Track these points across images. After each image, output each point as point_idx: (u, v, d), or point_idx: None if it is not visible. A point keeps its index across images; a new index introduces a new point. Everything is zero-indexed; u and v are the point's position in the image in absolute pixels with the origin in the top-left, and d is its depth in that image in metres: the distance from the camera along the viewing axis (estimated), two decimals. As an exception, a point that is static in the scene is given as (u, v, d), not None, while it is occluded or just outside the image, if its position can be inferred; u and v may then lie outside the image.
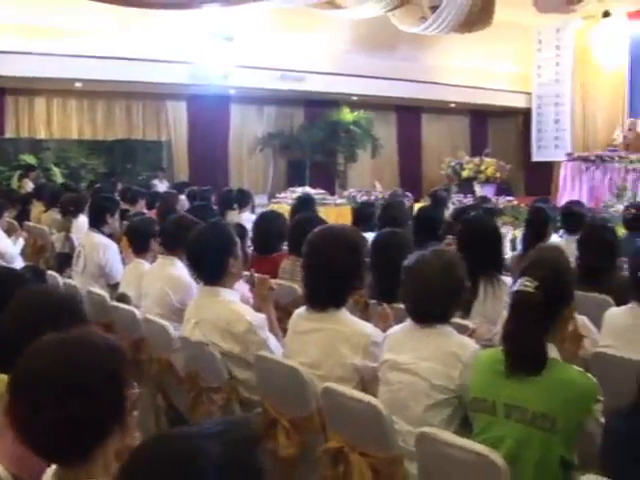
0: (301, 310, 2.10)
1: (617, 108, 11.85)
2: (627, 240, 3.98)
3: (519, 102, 12.27)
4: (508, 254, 3.94)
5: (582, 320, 2.31)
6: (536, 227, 3.80)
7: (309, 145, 10.58)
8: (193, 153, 9.98)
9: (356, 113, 10.93)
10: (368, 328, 2.01)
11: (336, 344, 1.97)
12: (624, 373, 1.69)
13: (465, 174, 10.65)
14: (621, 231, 5.15)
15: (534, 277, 1.63)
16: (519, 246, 4.31)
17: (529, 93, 12.15)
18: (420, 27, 7.22)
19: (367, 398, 1.75)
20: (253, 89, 9.58)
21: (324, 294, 2.00)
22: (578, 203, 4.74)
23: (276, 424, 1.92)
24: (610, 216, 7.50)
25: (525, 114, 12.54)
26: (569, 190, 9.65)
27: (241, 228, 3.29)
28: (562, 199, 9.10)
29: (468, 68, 11.31)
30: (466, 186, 10.41)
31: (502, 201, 8.88)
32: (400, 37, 9.51)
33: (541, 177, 11.82)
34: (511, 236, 4.57)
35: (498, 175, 10.55)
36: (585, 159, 9.60)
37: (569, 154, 10.29)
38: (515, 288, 1.66)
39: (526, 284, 1.63)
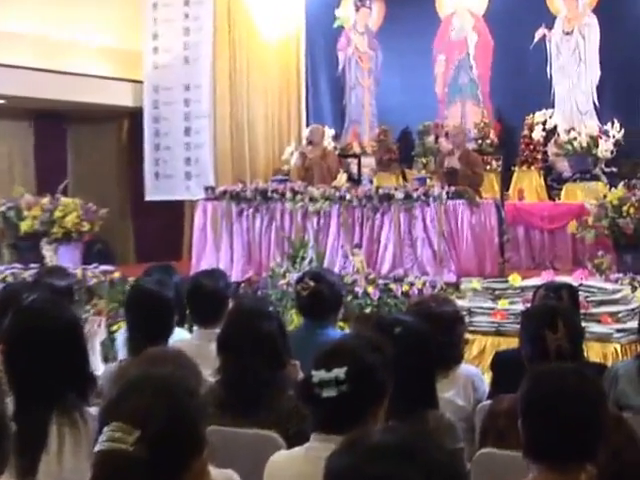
0: None
1: (289, 107, 13.90)
2: (303, 333, 4.63)
3: (123, 97, 13.22)
4: (101, 368, 4.18)
5: (227, 476, 2.54)
6: (142, 318, 4.18)
7: None
8: None
9: None
10: None
11: None
12: None
13: (26, 227, 10.79)
14: (297, 319, 5.92)
15: (132, 421, 1.80)
16: (120, 353, 4.64)
17: (140, 82, 13.23)
18: None
19: None
20: None
21: None
22: (216, 273, 5.25)
23: None
24: (279, 293, 8.61)
25: (133, 118, 13.58)
26: (211, 249, 10.67)
27: None
28: (199, 265, 10.06)
29: (34, 38, 11.71)
30: (25, 248, 10.66)
31: (94, 272, 9.38)
32: None
33: (163, 229, 12.86)
34: (105, 335, 4.86)
35: (86, 227, 11.02)
36: (237, 197, 10.66)
37: (210, 188, 11.29)
38: (98, 445, 1.81)
39: (116, 436, 1.79)
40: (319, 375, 2.60)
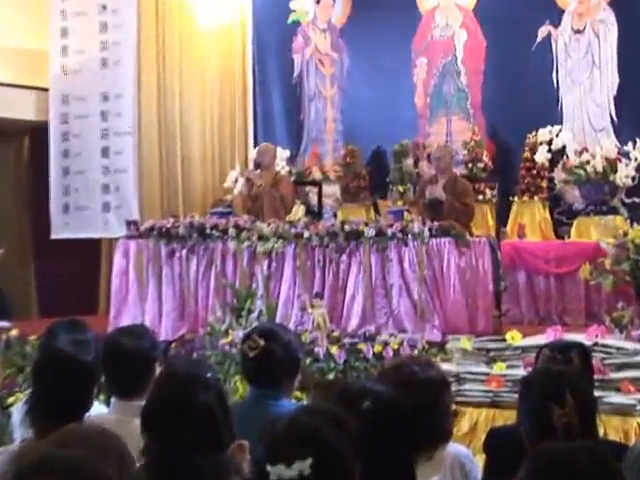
0: None
1: (232, 122, 14.08)
2: (250, 405, 4.65)
3: (23, 109, 13.25)
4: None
5: None
6: (54, 389, 4.15)
7: None
8: None
9: None
10: None
11: None
12: None
13: None
14: (243, 387, 5.88)
15: None
16: (17, 432, 4.63)
17: (45, 89, 13.29)
18: None
19: None
20: None
21: None
22: (140, 331, 5.23)
23: None
24: (220, 354, 8.62)
25: (36, 135, 13.63)
26: (134, 300, 10.67)
27: None
28: (120, 320, 10.11)
29: None
30: None
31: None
32: None
33: (74, 275, 12.78)
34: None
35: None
36: (167, 234, 10.70)
37: (133, 224, 11.29)
38: None
39: None
40: (278, 472, 2.52)
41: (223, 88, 14.03)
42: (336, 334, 8.92)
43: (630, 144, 11.65)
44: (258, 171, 11.57)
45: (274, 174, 11.77)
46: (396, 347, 8.48)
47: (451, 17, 13.04)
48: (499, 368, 7.43)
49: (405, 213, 10.37)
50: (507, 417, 6.43)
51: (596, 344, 7.12)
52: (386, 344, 8.57)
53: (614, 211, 11.51)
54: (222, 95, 14.04)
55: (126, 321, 9.66)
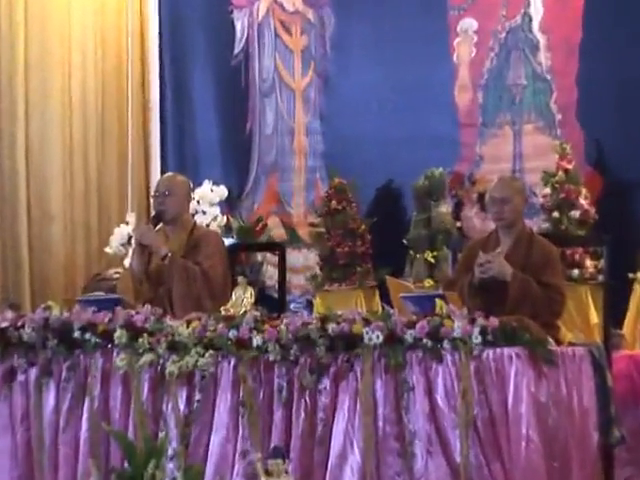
0: None
1: (122, 136, 14.84)
2: None
3: None
4: None
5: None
6: None
7: None
8: None
9: None
10: None
11: None
12: None
13: None
14: None
15: None
16: None
17: None
18: None
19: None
20: None
21: None
22: None
23: None
24: None
25: None
26: None
27: None
28: None
29: None
30: None
31: None
32: None
33: None
34: None
35: None
36: (3, 341, 10.65)
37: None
38: None
39: None
40: None
41: (107, 76, 14.17)
42: (312, 521, 8.82)
43: None
44: (159, 227, 11.24)
45: (188, 230, 11.28)
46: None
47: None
48: None
49: (438, 302, 10.11)
50: None
51: None
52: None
53: None
54: (105, 89, 14.14)
55: None
